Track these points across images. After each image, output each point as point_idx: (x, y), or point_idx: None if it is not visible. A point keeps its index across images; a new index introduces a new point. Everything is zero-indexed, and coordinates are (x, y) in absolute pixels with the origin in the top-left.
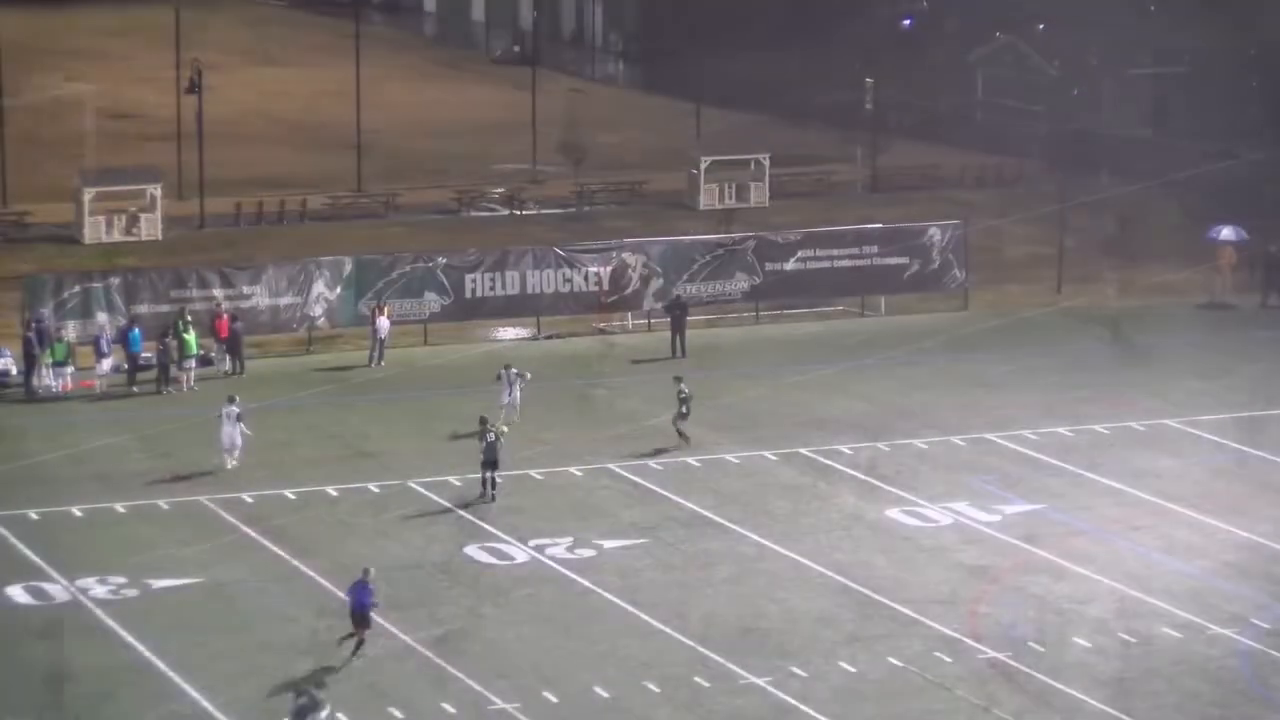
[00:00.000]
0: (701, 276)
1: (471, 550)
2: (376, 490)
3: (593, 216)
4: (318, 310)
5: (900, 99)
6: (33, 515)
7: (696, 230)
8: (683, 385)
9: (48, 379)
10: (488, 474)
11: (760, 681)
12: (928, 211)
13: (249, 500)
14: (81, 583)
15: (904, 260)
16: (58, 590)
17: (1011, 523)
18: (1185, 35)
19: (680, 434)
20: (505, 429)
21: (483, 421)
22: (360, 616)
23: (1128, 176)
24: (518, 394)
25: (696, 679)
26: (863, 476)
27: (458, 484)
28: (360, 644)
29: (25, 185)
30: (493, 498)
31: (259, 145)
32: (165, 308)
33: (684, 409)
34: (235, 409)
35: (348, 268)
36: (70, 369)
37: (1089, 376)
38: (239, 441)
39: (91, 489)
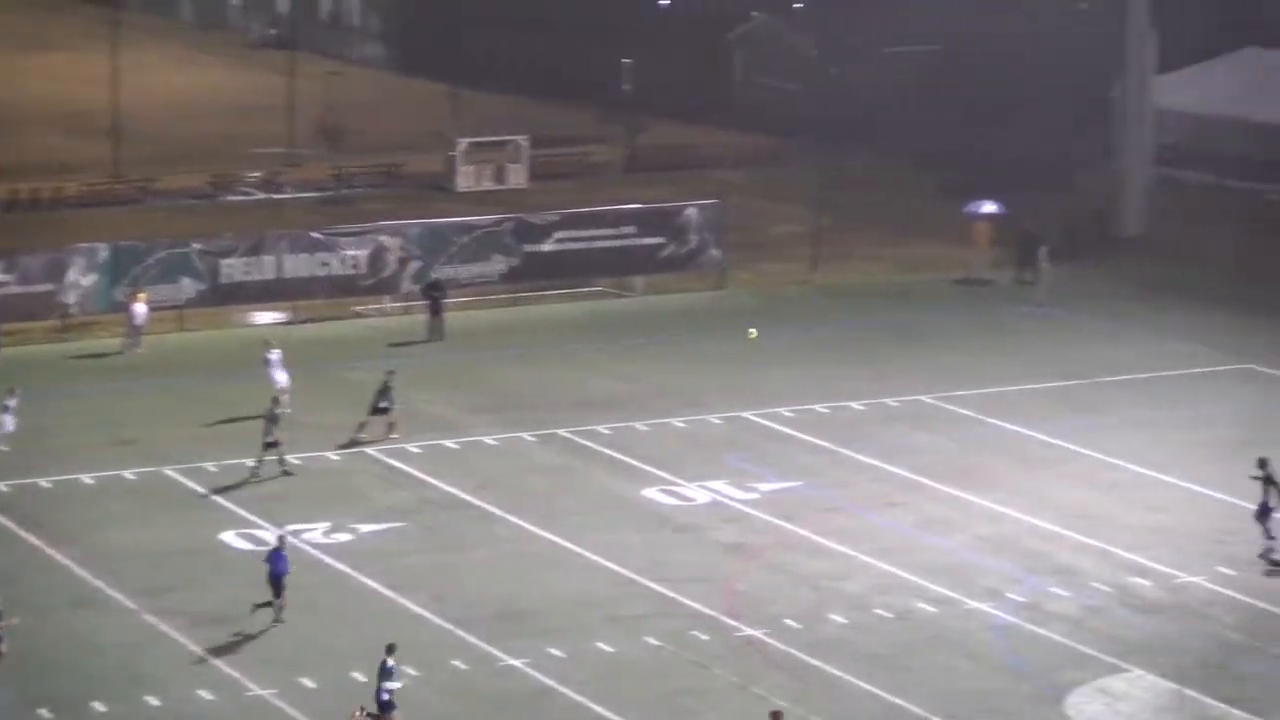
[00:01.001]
0: (460, 259)
1: (227, 536)
2: (132, 477)
3: (350, 200)
4: (72, 297)
5: (658, 79)
6: None
7: (455, 212)
8: (389, 379)
9: None
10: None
11: (519, 663)
12: (686, 191)
13: (4, 489)
14: None
15: (661, 240)
16: None
17: (769, 501)
18: (946, 16)
19: (362, 425)
20: (287, 410)
21: (275, 401)
22: (277, 583)
23: (886, 154)
24: (284, 376)
25: (456, 662)
26: (620, 456)
27: (214, 470)
28: (280, 610)
29: None
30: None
31: (22, 131)
32: None
33: (383, 402)
34: (15, 401)
35: (103, 254)
36: None
37: (844, 353)
38: (9, 429)
39: None
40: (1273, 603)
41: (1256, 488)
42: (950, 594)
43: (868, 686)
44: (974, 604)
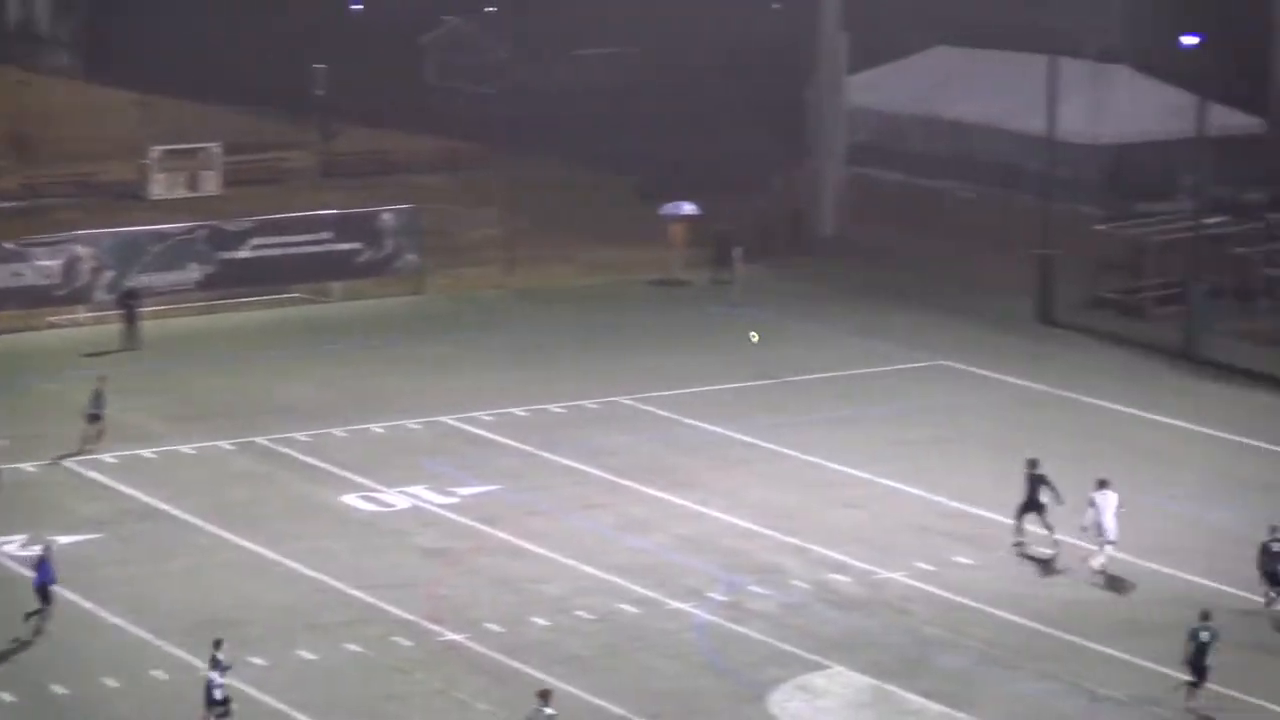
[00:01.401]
0: (154, 267)
1: None
2: None
3: (43, 210)
4: None
5: (352, 84)
6: None
7: (150, 220)
8: (101, 385)
9: None
10: None
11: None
12: (382, 196)
13: None
14: None
15: (358, 246)
16: None
17: (468, 505)
18: (641, 18)
19: (88, 434)
20: None
21: None
22: (43, 592)
23: (581, 156)
24: None
25: (155, 672)
26: (319, 463)
27: None
28: (44, 619)
29: None
30: None
31: None
32: None
33: (95, 408)
34: None
35: None
36: None
37: (543, 356)
38: None
39: None
40: (969, 597)
41: (991, 485)
42: (651, 594)
43: (570, 688)
44: (675, 604)
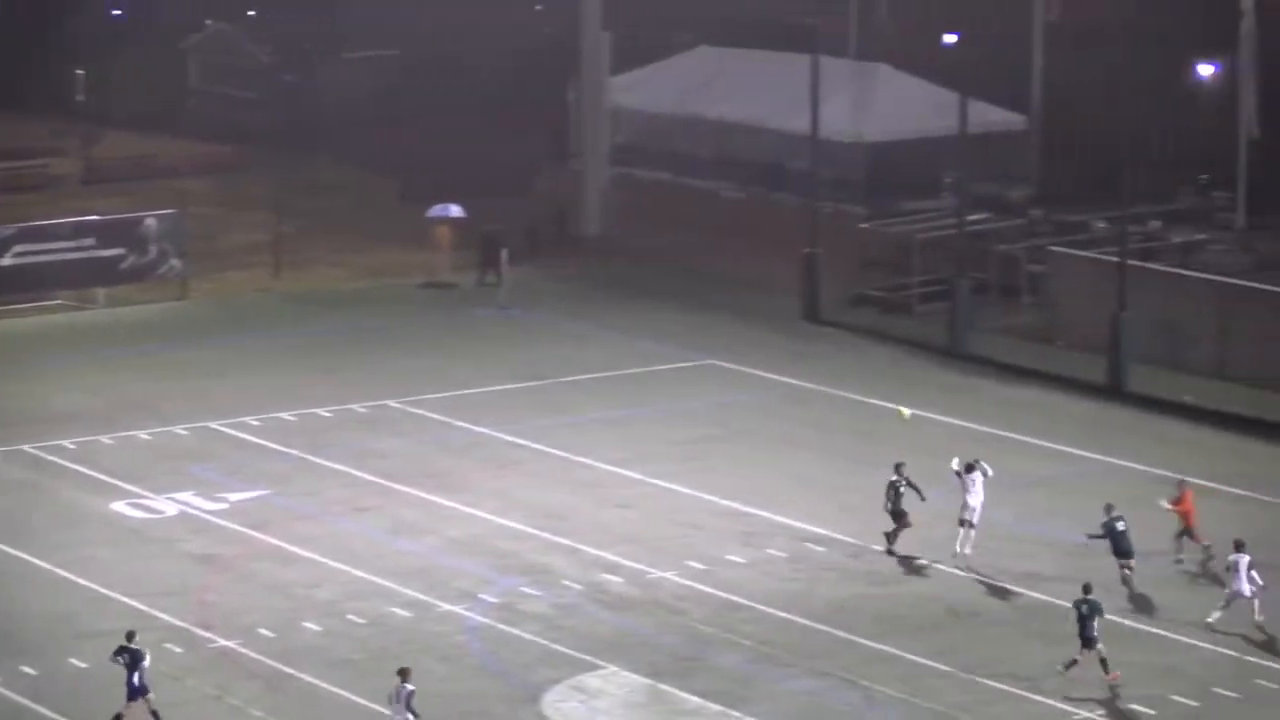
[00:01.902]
0: None
1: None
2: None
3: None
4: None
5: (113, 89)
6: None
7: None
8: None
9: None
10: None
11: None
12: (145, 201)
13: None
14: None
15: (121, 251)
16: None
17: (238, 510)
18: (405, 21)
19: None
20: None
21: None
22: None
23: (346, 160)
24: None
25: None
26: (86, 470)
27: None
28: None
29: None
30: None
31: None
32: None
33: None
34: None
35: None
36: None
37: (310, 360)
38: None
39: None
40: (742, 595)
41: (762, 483)
42: (423, 597)
43: (344, 693)
44: (447, 606)
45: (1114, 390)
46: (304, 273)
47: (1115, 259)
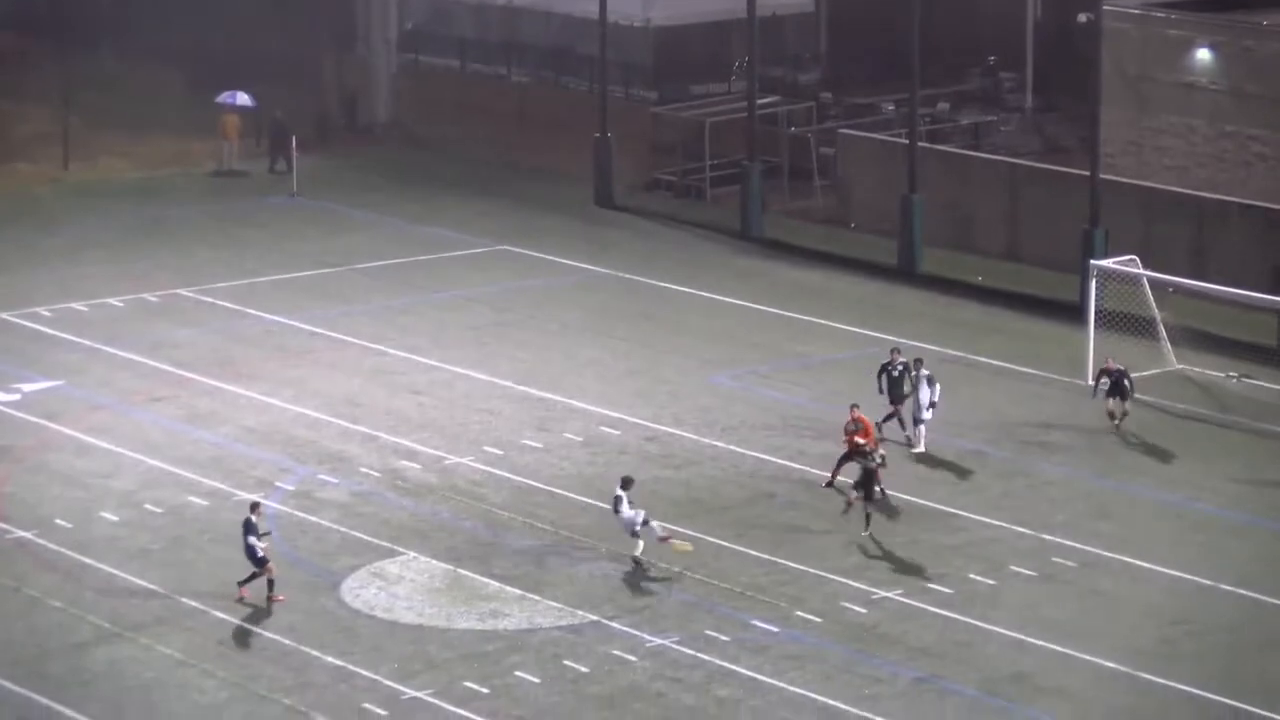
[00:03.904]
0: None
1: None
2: None
3: None
4: None
5: None
6: None
7: None
8: None
9: None
10: None
11: None
12: None
13: None
14: None
15: None
16: None
17: (31, 401)
18: None
19: None
20: None
21: None
22: None
23: (134, 50)
24: None
25: None
26: None
27: None
28: None
29: None
30: None
31: None
32: None
33: None
34: None
35: None
36: None
37: (101, 250)
38: None
39: None
40: (539, 480)
41: (556, 368)
42: (220, 486)
43: (142, 582)
44: (244, 495)
45: (905, 272)
46: (92, 164)
47: (904, 141)
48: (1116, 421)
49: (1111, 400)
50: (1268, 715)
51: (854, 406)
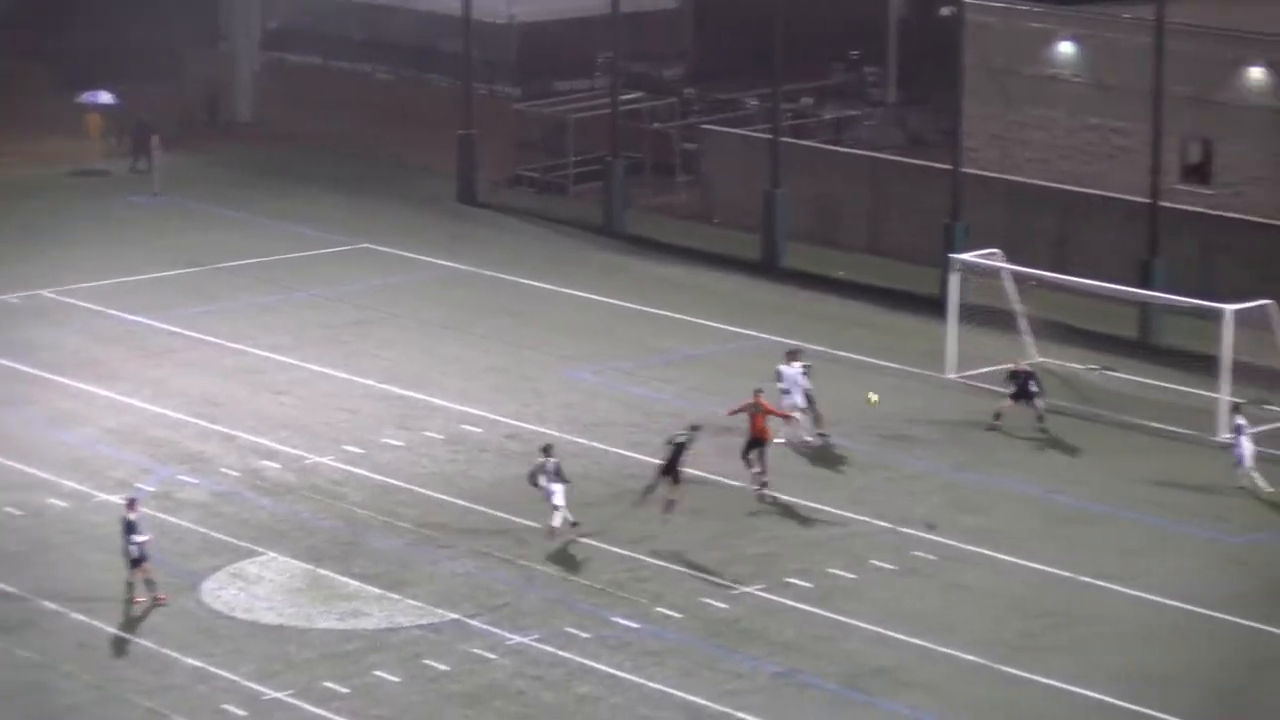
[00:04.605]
0: None
1: None
2: None
3: None
4: None
5: None
6: None
7: None
8: None
9: None
10: None
11: None
12: None
13: None
14: None
15: None
16: None
17: None
18: None
19: None
20: None
21: None
22: None
23: None
24: None
25: None
26: None
27: None
28: None
29: None
30: None
31: None
32: None
33: None
34: None
35: None
36: None
37: None
38: None
39: None
40: (400, 478)
41: (418, 366)
42: (81, 488)
43: (4, 586)
44: (105, 496)
45: (768, 267)
46: None
47: (768, 136)
48: (999, 421)
49: (1008, 402)
50: (1130, 707)
51: (758, 391)
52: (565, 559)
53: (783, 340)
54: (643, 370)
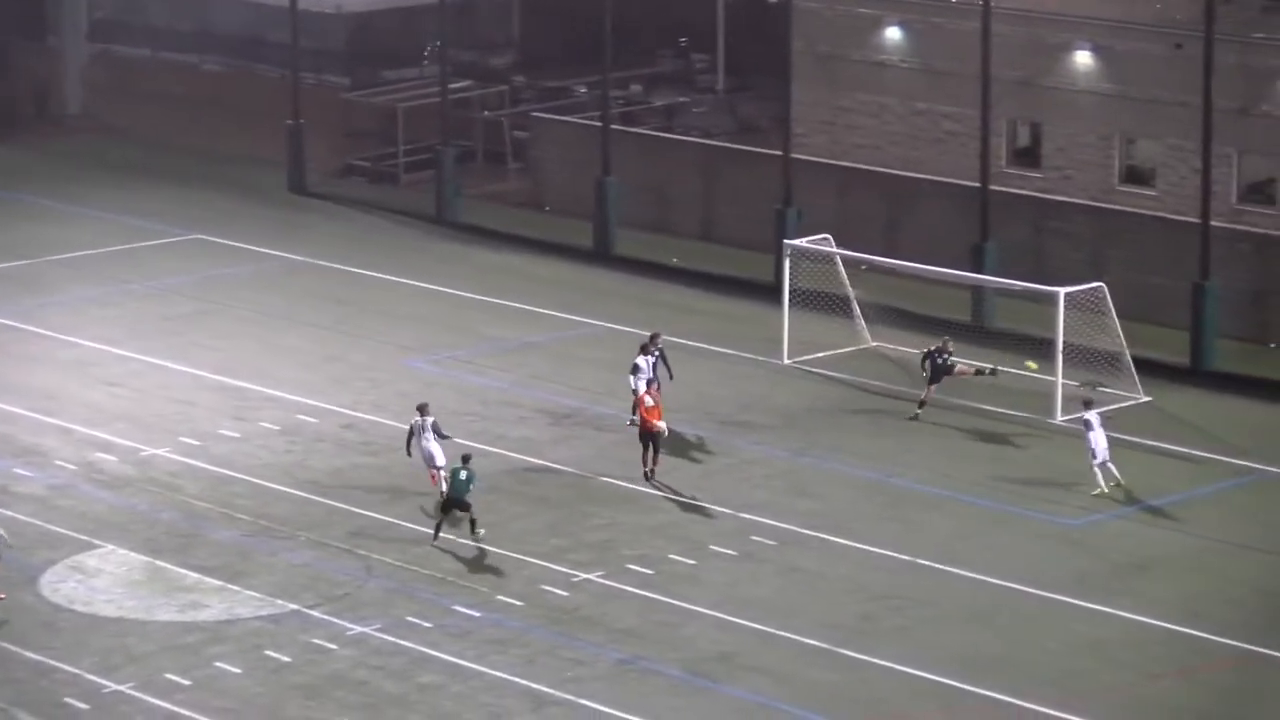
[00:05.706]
0: None
1: None
2: None
3: None
4: None
5: None
6: None
7: None
8: None
9: None
10: None
11: None
12: None
13: None
14: None
15: None
16: None
17: None
18: None
19: None
20: None
21: None
22: None
23: None
24: None
25: None
26: None
27: None
28: None
29: None
30: None
31: None
32: None
33: None
34: None
35: None
36: None
37: None
38: None
39: None
40: (237, 470)
41: (252, 356)
42: None
43: None
44: None
45: (601, 254)
46: None
47: (598, 124)
48: (919, 411)
49: (929, 389)
50: (969, 689)
51: (650, 381)
52: (407, 550)
53: (619, 328)
54: (478, 359)
